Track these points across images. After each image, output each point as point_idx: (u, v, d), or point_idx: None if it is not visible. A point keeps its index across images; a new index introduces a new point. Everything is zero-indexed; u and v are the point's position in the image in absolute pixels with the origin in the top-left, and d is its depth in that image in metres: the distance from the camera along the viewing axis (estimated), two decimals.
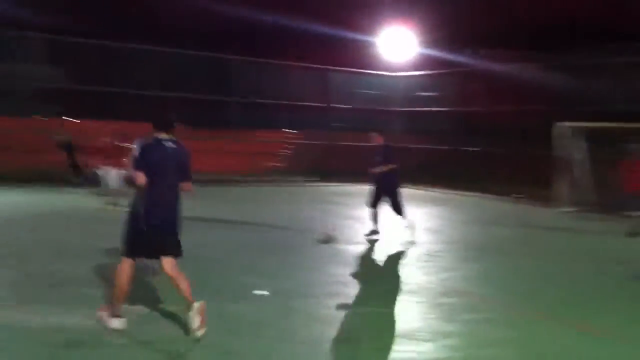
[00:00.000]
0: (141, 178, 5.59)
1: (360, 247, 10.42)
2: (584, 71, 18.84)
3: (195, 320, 5.46)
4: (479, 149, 21.68)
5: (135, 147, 5.73)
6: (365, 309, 6.82)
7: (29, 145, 18.46)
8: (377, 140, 11.38)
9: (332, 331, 5.94)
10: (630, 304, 7.53)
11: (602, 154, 16.71)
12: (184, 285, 5.64)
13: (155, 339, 5.54)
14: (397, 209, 11.26)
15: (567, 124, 17.33)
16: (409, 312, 6.79)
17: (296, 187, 21.18)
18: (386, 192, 11.23)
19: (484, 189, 20.07)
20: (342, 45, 26.55)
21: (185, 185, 5.89)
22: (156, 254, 5.76)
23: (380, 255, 9.97)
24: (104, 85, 19.92)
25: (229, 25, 26.67)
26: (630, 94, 17.88)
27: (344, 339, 5.77)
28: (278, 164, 23.82)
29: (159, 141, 5.75)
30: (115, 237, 6.01)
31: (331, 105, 24.15)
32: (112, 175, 13.76)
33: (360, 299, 7.18)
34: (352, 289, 7.62)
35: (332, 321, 6.25)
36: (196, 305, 5.50)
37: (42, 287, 7.08)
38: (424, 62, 25.28)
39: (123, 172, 11.84)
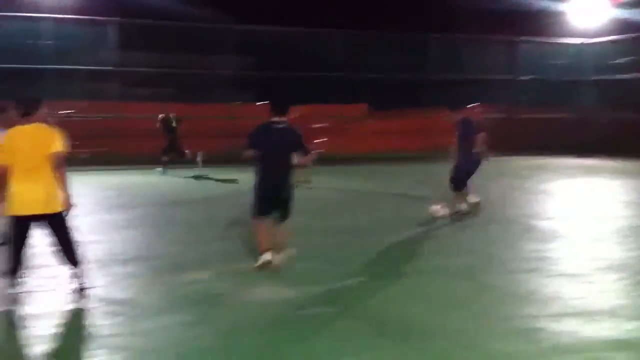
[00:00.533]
0: (248, 153, 7.03)
1: (552, 223, 10.17)
2: None
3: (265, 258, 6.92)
4: None
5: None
6: (560, 284, 6.70)
7: (222, 130, 19.77)
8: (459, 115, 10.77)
9: (530, 308, 5.93)
10: None
11: None
12: (283, 238, 7.07)
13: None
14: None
15: None
16: (609, 289, 6.58)
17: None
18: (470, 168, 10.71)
19: None
20: (529, 14, 25.66)
21: (304, 159, 7.36)
22: (272, 212, 7.04)
23: (573, 231, 9.64)
24: (288, 70, 20.92)
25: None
26: None
27: (544, 315, 5.75)
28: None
29: (269, 124, 7.04)
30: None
31: (518, 78, 23.45)
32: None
33: (555, 274, 7.06)
34: (548, 265, 7.51)
35: (529, 297, 6.25)
36: (271, 255, 6.90)
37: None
38: (619, 27, 23.73)
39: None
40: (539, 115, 22.79)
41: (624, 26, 23.57)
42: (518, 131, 22.27)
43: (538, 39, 24.34)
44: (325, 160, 16.27)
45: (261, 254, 7.00)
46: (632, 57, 22.74)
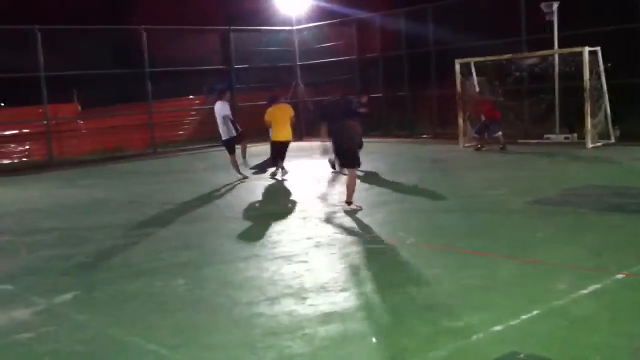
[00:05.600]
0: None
1: (272, 208, 10.58)
2: None
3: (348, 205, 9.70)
4: (380, 94, 22.18)
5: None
6: (279, 266, 6.99)
7: None
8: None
9: (249, 295, 6.10)
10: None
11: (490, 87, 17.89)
12: (352, 185, 9.74)
13: None
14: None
15: (461, 60, 17.99)
16: (321, 266, 7.00)
17: (202, 153, 21.04)
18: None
19: (387, 133, 20.66)
20: (239, 1, 26.36)
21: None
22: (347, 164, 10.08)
23: (290, 214, 10.13)
24: None
25: None
26: None
27: (262, 300, 5.93)
28: (184, 132, 23.48)
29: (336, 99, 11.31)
30: None
31: (234, 66, 23.93)
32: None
33: (272, 258, 7.35)
34: (267, 249, 7.78)
35: (248, 284, 6.43)
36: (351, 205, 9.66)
37: None
38: (320, 14, 25.40)
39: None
40: (257, 102, 23.48)
41: (326, 13, 25.37)
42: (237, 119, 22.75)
43: (249, 27, 25.07)
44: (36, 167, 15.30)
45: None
46: (335, 42, 24.44)
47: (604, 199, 9.65)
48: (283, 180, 13.61)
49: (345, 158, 10.04)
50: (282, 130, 13.84)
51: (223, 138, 13.90)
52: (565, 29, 16.78)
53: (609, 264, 6.34)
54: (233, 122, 13.87)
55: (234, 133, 13.78)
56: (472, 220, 8.87)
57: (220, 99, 14.05)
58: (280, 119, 13.83)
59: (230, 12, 27.99)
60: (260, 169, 13.89)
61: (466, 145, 17.53)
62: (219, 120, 13.79)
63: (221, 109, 13.79)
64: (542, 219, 8.58)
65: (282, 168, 14.06)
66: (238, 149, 14.02)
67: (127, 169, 18.06)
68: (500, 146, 16.28)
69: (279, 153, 13.92)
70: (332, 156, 12.71)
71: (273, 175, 13.85)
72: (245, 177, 13.72)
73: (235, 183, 13.46)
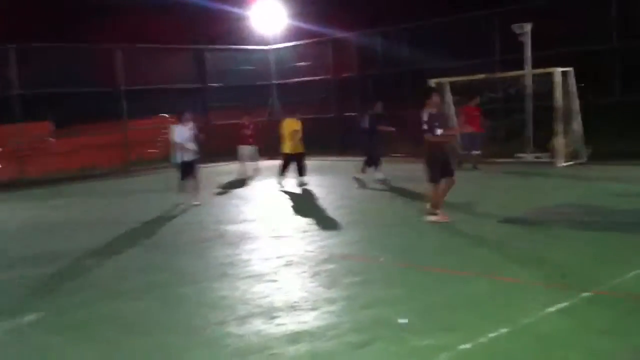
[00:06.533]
0: None
1: (242, 226, 10.54)
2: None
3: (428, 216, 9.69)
4: (354, 113, 22.28)
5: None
6: (249, 286, 6.94)
7: None
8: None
9: (219, 315, 6.04)
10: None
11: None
12: (441, 195, 9.70)
13: None
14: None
15: (436, 80, 18.16)
16: (291, 285, 6.97)
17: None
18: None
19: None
20: (214, 21, 26.41)
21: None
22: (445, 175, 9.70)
23: (262, 232, 10.05)
24: None
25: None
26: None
27: (232, 319, 5.87)
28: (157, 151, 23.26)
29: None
30: None
31: (208, 85, 23.90)
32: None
33: (243, 277, 7.30)
34: (238, 268, 7.73)
35: (219, 304, 6.37)
36: (433, 216, 9.65)
37: None
38: (296, 33, 25.54)
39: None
40: (232, 120, 23.45)
41: (300, 33, 25.51)
42: (211, 138, 22.68)
43: (224, 46, 25.09)
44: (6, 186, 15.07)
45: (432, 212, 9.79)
46: (311, 62, 24.54)
47: (574, 217, 9.72)
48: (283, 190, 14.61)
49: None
50: (287, 144, 15.08)
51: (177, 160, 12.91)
52: (538, 50, 16.99)
53: (577, 282, 6.38)
54: (184, 149, 12.69)
55: (184, 159, 12.74)
56: (443, 239, 8.89)
57: (181, 121, 12.89)
58: (287, 133, 15.02)
59: (207, 31, 28.01)
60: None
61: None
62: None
63: (176, 133, 12.74)
64: (512, 237, 8.62)
65: (282, 180, 15.15)
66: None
67: (99, 188, 17.88)
68: (473, 164, 16.35)
69: (284, 164, 15.25)
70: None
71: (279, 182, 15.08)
72: (181, 204, 12.80)
73: (209, 201, 13.38)
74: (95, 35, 26.26)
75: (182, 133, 12.72)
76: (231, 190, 15.25)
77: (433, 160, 9.67)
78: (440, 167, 9.66)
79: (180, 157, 12.77)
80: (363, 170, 15.28)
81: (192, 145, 12.81)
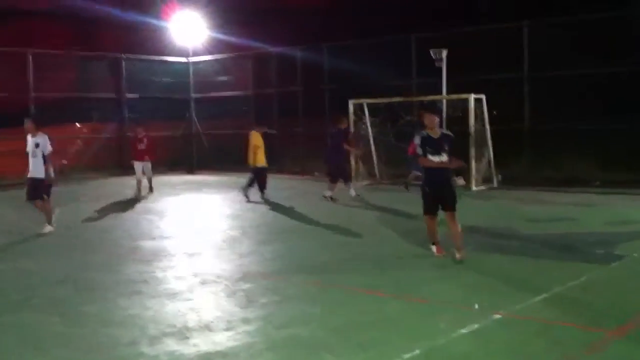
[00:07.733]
0: None
1: (157, 243, 10.32)
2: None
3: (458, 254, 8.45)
4: (275, 131, 22.23)
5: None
6: (162, 304, 6.78)
7: None
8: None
9: (130, 334, 5.87)
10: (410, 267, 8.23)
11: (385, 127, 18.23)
12: (456, 232, 8.55)
13: None
14: None
15: (355, 100, 18.36)
16: (206, 304, 6.86)
17: (92, 181, 20.32)
18: None
19: (281, 169, 20.64)
20: (134, 30, 25.86)
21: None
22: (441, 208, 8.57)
23: (176, 248, 9.85)
24: None
25: None
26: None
27: (143, 339, 5.72)
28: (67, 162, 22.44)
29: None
30: None
31: (125, 95, 23.34)
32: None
33: (156, 295, 7.13)
34: (151, 286, 7.54)
35: (129, 322, 6.19)
36: (459, 254, 8.41)
37: None
38: (216, 46, 25.30)
39: None
40: (151, 133, 23.00)
41: (224, 45, 25.29)
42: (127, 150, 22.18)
43: (143, 56, 24.57)
44: None
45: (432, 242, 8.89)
46: (232, 75, 24.42)
47: (485, 240, 10.00)
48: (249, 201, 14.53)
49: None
50: (257, 156, 14.96)
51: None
52: (454, 76, 17.44)
53: (487, 303, 6.54)
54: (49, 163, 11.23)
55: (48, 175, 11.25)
56: (358, 258, 8.95)
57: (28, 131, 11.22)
58: (257, 145, 14.99)
59: (124, 38, 27.30)
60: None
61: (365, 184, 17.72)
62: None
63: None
64: (425, 258, 8.77)
65: (247, 192, 14.94)
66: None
67: (3, 197, 17.11)
68: (406, 182, 16.15)
69: (251, 177, 15.15)
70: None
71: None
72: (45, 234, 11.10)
73: (121, 215, 13.04)
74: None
75: (29, 144, 11.08)
76: (145, 205, 14.92)
77: (423, 192, 8.75)
78: (432, 199, 8.60)
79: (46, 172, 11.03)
80: (330, 188, 14.83)
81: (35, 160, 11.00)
